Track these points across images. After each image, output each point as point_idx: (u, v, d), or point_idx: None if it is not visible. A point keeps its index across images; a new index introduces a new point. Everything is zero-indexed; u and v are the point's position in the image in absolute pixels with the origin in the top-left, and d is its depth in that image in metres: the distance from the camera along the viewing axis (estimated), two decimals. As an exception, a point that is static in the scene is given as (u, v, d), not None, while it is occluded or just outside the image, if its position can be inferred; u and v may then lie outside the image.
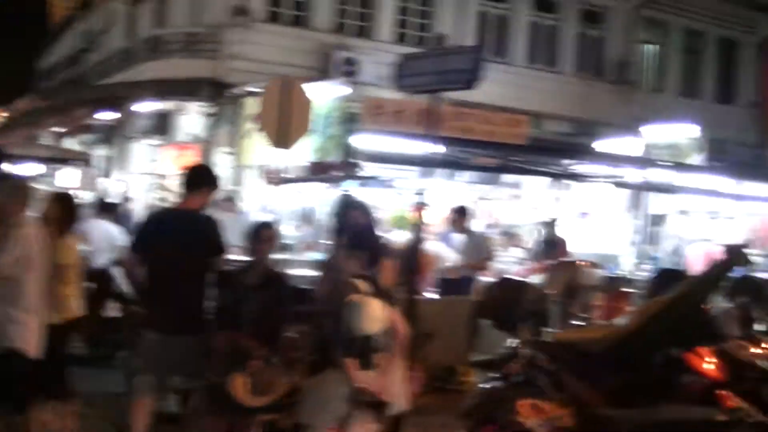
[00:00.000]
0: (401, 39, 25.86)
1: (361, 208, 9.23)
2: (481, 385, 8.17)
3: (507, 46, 27.88)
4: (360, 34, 25.41)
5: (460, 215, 14.50)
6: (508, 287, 9.65)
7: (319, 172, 14.01)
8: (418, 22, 26.44)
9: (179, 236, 8.17)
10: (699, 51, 32.85)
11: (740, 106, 32.59)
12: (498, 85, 25.03)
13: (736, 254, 8.28)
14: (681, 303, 7.68)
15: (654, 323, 7.71)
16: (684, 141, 23.66)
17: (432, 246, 13.23)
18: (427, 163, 11.37)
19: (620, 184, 17.36)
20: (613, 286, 15.07)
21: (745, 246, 9.15)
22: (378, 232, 9.41)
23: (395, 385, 7.75)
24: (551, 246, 14.70)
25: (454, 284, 13.47)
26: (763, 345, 8.57)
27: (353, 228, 8.60)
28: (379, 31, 25.59)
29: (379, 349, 7.43)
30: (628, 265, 18.56)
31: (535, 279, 14.22)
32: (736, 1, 32.31)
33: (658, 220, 21.99)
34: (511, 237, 19.16)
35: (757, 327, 9.02)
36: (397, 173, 15.46)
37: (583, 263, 14.32)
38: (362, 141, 13.47)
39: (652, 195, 20.21)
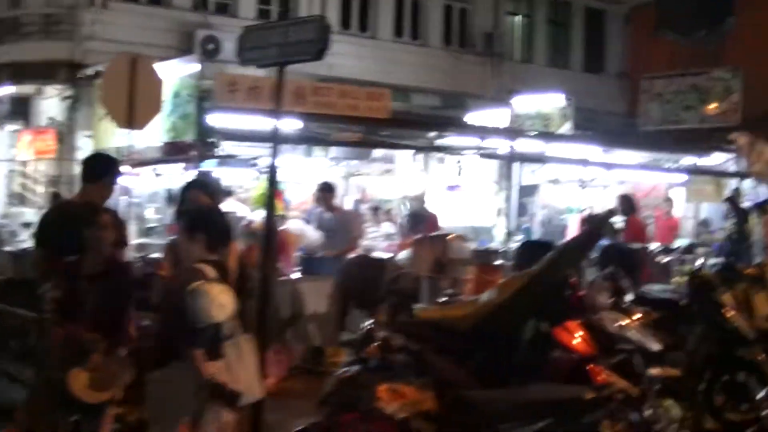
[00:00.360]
0: (265, 16, 25.10)
1: (204, 188, 8.63)
2: (339, 370, 7.65)
3: (372, 20, 27.29)
4: (222, 12, 24.60)
5: (327, 192, 14.04)
6: (366, 265, 9.18)
7: (174, 152, 13.34)
8: (282, -1, 25.70)
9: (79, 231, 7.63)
10: (566, 22, 32.76)
11: (608, 76, 32.61)
12: (364, 61, 25.02)
13: (599, 223, 7.93)
14: (546, 275, 7.32)
15: (519, 297, 7.33)
16: (552, 110, 23.57)
17: (294, 224, 12.71)
18: (283, 140, 10.84)
19: (487, 155, 17.08)
20: (485, 259, 14.73)
21: (610, 215, 8.69)
22: (224, 212, 8.75)
23: (248, 373, 7.20)
24: (418, 220, 14.35)
25: (319, 263, 12.96)
26: (634, 316, 8.27)
27: (194, 209, 8.01)
28: (242, 9, 24.81)
29: (227, 338, 6.88)
30: (500, 237, 18.26)
31: (403, 255, 13.87)
32: (602, -29, 32.26)
33: (529, 190, 21.90)
34: (381, 213, 18.75)
35: (627, 297, 8.67)
36: (259, 152, 14.89)
37: (452, 237, 13.96)
38: (218, 119, 12.83)
39: (523, 166, 20.07)
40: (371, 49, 26.37)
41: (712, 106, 26.26)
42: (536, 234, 20.66)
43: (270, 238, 8.59)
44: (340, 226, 13.42)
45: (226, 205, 14.79)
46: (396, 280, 8.11)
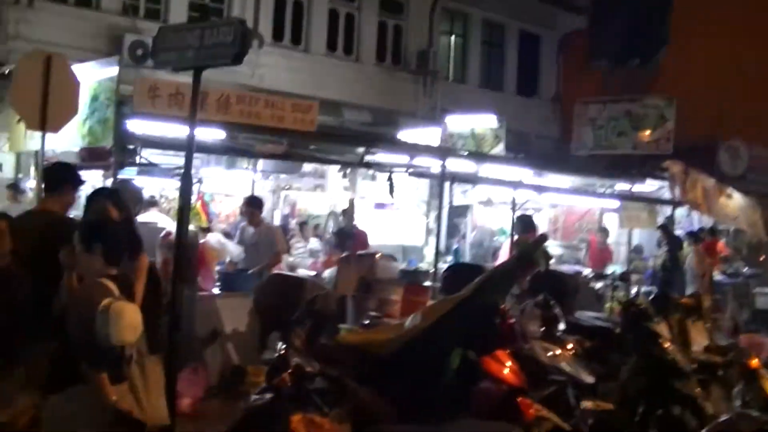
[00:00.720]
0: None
1: (111, 197, 8.00)
2: (250, 398, 7.05)
3: (305, 33, 26.75)
4: (154, 18, 23.88)
5: (252, 207, 13.44)
6: (282, 284, 8.56)
7: (92, 158, 12.62)
8: (215, 6, 25.05)
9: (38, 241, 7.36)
10: (500, 44, 32.56)
11: (541, 100, 32.49)
12: (296, 73, 24.52)
13: (530, 249, 7.44)
14: (474, 301, 6.82)
15: (445, 323, 6.84)
16: (485, 131, 23.29)
17: (214, 238, 12.10)
18: (200, 149, 10.31)
19: (417, 174, 16.58)
20: (413, 279, 14.22)
21: (542, 240, 8.15)
22: (131, 223, 8.14)
23: (154, 397, 6.63)
24: (345, 238, 13.81)
25: (239, 279, 12.37)
26: (567, 345, 7.81)
27: (93, 219, 7.40)
28: (173, 15, 24.10)
29: (132, 359, 6.32)
30: (430, 257, 17.81)
31: (328, 273, 13.36)
32: (536, -5, 32.12)
33: (461, 211, 21.53)
34: (308, 229, 18.21)
35: (559, 326, 8.21)
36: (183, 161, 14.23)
37: (379, 256, 13.46)
38: (138, 126, 12.16)
39: (454, 186, 19.70)
40: (303, 62, 25.86)
41: (646, 133, 26.13)
42: (467, 256, 20.26)
43: (181, 252, 7.99)
44: (263, 241, 12.82)
45: (147, 216, 14.23)
46: (314, 301, 7.47)
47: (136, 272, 7.14)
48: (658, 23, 28.51)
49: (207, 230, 13.13)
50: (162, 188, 17.11)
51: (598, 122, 27.32)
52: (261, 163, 18.81)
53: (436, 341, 6.83)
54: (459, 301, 6.91)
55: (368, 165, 15.06)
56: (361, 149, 14.87)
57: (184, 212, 7.37)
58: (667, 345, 8.92)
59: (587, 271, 18.18)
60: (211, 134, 13.30)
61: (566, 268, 17.63)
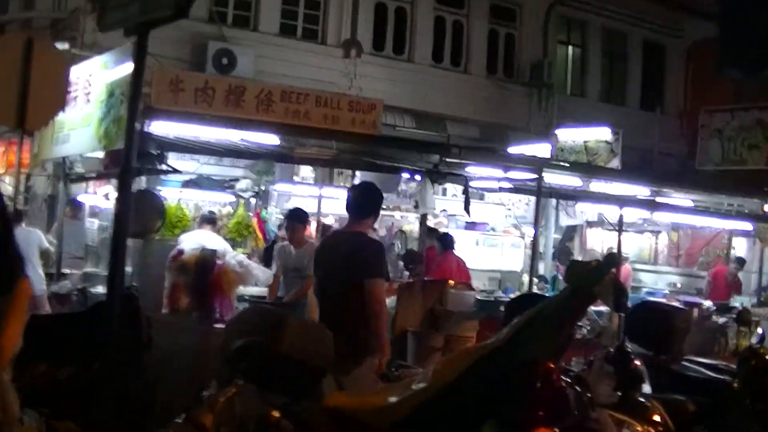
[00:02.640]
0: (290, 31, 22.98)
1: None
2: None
3: (409, 42, 25.02)
4: (242, 25, 22.59)
5: (295, 221, 11.44)
6: (255, 321, 6.26)
7: (115, 165, 10.86)
8: (308, 13, 23.59)
9: None
10: (622, 54, 30.32)
11: (667, 115, 29.88)
12: (398, 85, 23.11)
13: (586, 277, 5.11)
14: (507, 353, 4.71)
15: (465, 384, 4.78)
16: (598, 144, 21.15)
17: (235, 259, 10.13)
18: (234, 153, 8.50)
19: (507, 189, 14.49)
20: (492, 312, 12.06)
21: (609, 265, 5.73)
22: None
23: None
24: (410, 259, 11.73)
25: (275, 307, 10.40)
26: (653, 416, 5.53)
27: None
28: (264, 22, 22.76)
29: None
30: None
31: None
32: (661, 1, 29.52)
33: (570, 232, 19.42)
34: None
35: (644, 387, 5.88)
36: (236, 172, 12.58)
37: (452, 283, 11.37)
38: (160, 126, 10.35)
39: (562, 204, 17.66)
40: (406, 73, 24.36)
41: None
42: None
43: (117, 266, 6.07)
44: (308, 264, 10.69)
45: (196, 235, 12.49)
46: (247, 350, 5.36)
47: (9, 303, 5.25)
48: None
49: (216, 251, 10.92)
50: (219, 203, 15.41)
51: (726, 133, 24.51)
52: (356, 180, 17.16)
53: (452, 409, 4.73)
54: (486, 352, 4.79)
55: (443, 175, 13.00)
56: (434, 156, 12.80)
57: (121, 219, 5.47)
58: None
59: (707, 304, 15.72)
60: (259, 138, 11.41)
61: (683, 299, 15.25)
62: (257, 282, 10.83)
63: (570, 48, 29.26)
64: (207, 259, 9.26)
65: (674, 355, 8.83)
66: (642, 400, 5.44)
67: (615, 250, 14.16)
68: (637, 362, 5.57)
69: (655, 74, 30.69)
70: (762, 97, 25.23)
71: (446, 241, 15.52)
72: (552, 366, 4.92)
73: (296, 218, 11.20)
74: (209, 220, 13.77)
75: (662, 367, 7.64)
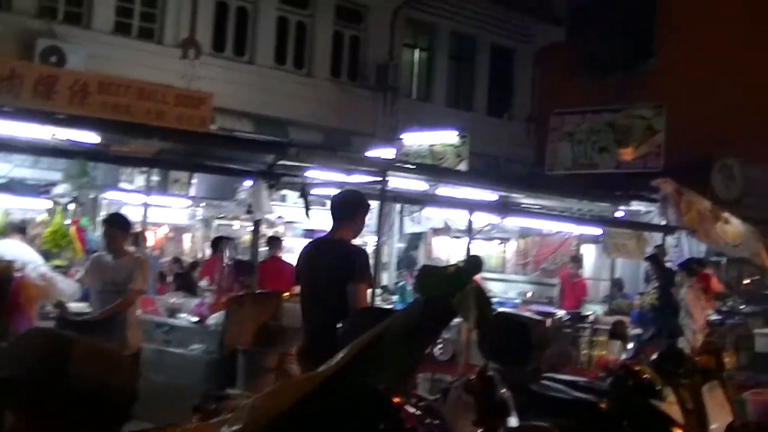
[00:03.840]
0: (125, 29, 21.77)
1: None
2: None
3: (250, 43, 23.98)
4: (73, 22, 21.25)
5: (114, 228, 10.07)
6: (37, 346, 5.16)
7: None
8: (146, 11, 22.43)
9: None
10: (470, 58, 29.86)
11: (515, 120, 29.43)
12: (239, 87, 22.27)
13: (441, 287, 4.12)
14: (342, 384, 3.70)
15: (294, 422, 3.73)
16: (445, 148, 20.50)
17: (37, 272, 8.88)
18: (37, 152, 7.31)
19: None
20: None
21: (474, 267, 4.88)
22: None
23: None
24: (241, 270, 10.66)
25: (83, 326, 9.09)
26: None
27: None
28: (97, 19, 21.48)
29: None
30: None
31: (214, 319, 10.25)
32: (509, 4, 29.11)
33: (415, 240, 18.63)
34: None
35: (511, 420, 4.93)
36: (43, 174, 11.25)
37: (287, 295, 10.34)
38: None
39: (408, 209, 16.87)
40: (247, 76, 23.41)
41: (631, 148, 23.00)
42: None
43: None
44: (125, 276, 9.45)
45: (5, 244, 11.17)
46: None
47: None
48: (643, 33, 25.72)
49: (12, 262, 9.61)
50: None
51: (577, 137, 24.15)
52: (193, 188, 16.07)
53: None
54: (317, 383, 3.76)
55: (278, 176, 11.94)
56: (269, 157, 11.72)
57: None
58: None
59: (561, 313, 15.06)
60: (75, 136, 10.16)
61: (536, 309, 14.51)
62: (63, 296, 9.58)
63: (417, 51, 28.71)
64: (3, 271, 8.02)
65: (532, 372, 7.99)
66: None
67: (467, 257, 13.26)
68: (503, 390, 4.61)
69: (503, 79, 30.39)
70: (611, 100, 25.03)
71: (270, 244, 14.65)
72: (399, 398, 3.94)
73: (115, 224, 9.85)
74: (18, 228, 12.43)
75: (520, 387, 6.73)
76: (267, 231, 15.83)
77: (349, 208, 8.00)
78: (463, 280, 4.17)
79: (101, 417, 4.37)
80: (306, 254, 8.20)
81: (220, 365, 9.62)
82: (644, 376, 6.44)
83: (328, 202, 16.92)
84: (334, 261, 7.62)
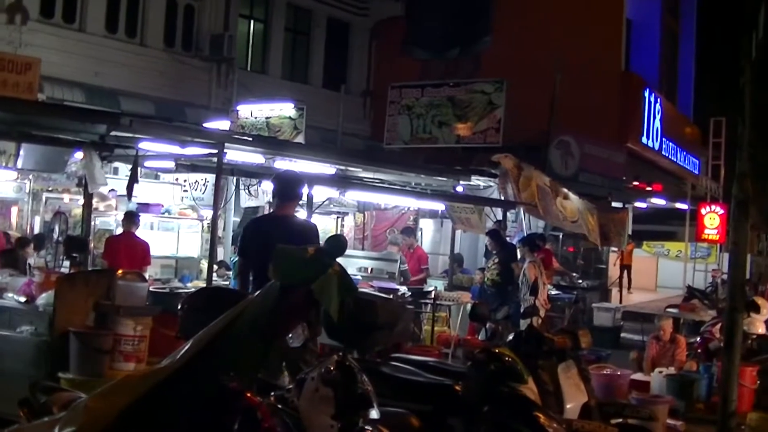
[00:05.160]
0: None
1: None
2: None
3: (80, 10, 22.90)
4: None
5: None
6: None
7: None
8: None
9: None
10: (306, 31, 29.60)
11: (351, 94, 29.27)
12: (68, 56, 21.50)
13: (300, 270, 3.72)
14: (189, 381, 3.30)
15: (135, 423, 3.31)
16: (282, 120, 20.10)
17: None
18: None
19: (184, 166, 13.03)
20: (170, 306, 10.48)
21: (327, 250, 4.49)
22: None
23: None
24: (74, 247, 10.04)
25: None
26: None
27: None
28: None
29: None
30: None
31: (44, 298, 9.62)
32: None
33: (249, 214, 18.18)
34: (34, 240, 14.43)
35: (372, 413, 4.55)
36: None
37: (122, 273, 9.74)
38: None
39: (244, 182, 16.47)
40: (77, 44, 22.31)
41: (470, 123, 22.92)
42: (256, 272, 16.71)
43: None
44: None
45: None
46: None
47: None
48: (480, 12, 25.72)
49: None
50: None
51: (416, 110, 23.94)
52: (20, 160, 15.18)
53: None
54: (160, 379, 3.33)
55: (111, 147, 11.30)
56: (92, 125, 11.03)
57: None
58: (543, 419, 5.59)
59: (403, 289, 14.81)
60: None
61: (378, 286, 14.20)
62: None
63: (252, 23, 28.17)
64: None
65: (382, 354, 7.70)
66: (369, 428, 4.11)
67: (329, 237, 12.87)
68: (365, 381, 4.22)
69: (340, 52, 30.22)
70: (448, 76, 25.00)
71: (126, 219, 14.04)
72: (251, 393, 3.52)
73: None
74: None
75: (370, 370, 6.39)
76: (99, 205, 15.06)
77: (296, 188, 8.71)
78: (325, 263, 3.79)
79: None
80: (259, 228, 8.68)
81: (51, 348, 8.99)
82: (506, 359, 6.20)
83: (162, 175, 16.49)
84: (293, 235, 7.96)
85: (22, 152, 14.78)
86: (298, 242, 7.56)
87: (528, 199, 16.18)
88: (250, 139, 13.90)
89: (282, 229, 8.15)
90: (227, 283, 13.79)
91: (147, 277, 11.53)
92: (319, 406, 3.96)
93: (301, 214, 13.00)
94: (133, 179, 11.86)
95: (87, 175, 11.61)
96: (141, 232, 14.46)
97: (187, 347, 3.47)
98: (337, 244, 3.99)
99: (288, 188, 8.59)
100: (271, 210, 9.21)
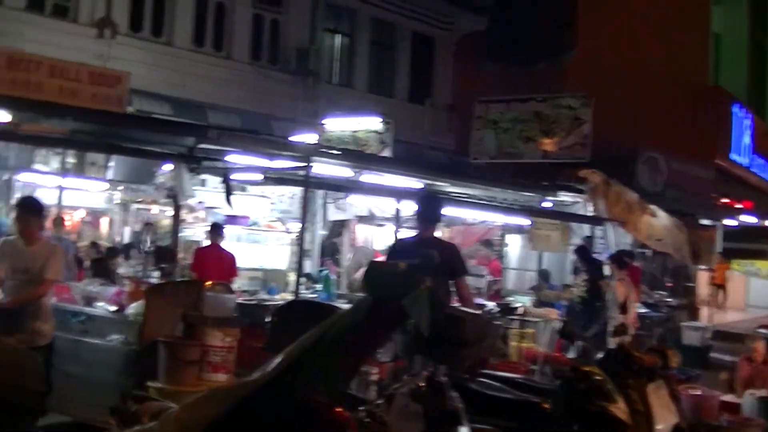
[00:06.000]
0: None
1: None
2: None
3: (168, 24, 23.18)
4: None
5: (28, 212, 9.30)
6: None
7: None
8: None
9: None
10: (391, 45, 29.50)
11: (436, 108, 29.15)
12: (156, 69, 21.61)
13: (390, 286, 3.65)
14: (276, 394, 3.26)
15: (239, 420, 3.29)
16: (369, 135, 20.08)
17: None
18: None
19: (273, 179, 13.04)
20: (257, 318, 10.52)
21: (428, 263, 4.44)
22: None
23: None
24: (162, 257, 10.11)
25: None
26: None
27: None
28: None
29: None
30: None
31: (133, 308, 9.71)
32: (431, -8, 28.88)
33: (336, 227, 18.21)
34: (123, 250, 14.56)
35: (462, 429, 4.46)
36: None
37: (209, 284, 9.81)
38: None
39: (332, 196, 16.47)
40: (165, 57, 22.54)
41: (557, 138, 22.73)
42: (341, 284, 16.71)
43: None
44: (39, 265, 8.80)
45: None
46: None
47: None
48: (564, 24, 25.43)
49: None
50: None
51: (502, 125, 23.82)
52: (110, 172, 15.45)
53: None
54: (248, 392, 3.29)
55: (199, 159, 11.38)
56: (188, 139, 11.11)
57: None
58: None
59: (490, 305, 14.70)
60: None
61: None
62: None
63: (338, 37, 28.19)
64: None
65: (469, 370, 7.58)
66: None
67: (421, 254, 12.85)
68: (455, 398, 4.16)
69: (424, 66, 30.05)
70: (531, 90, 24.81)
71: (212, 231, 14.13)
72: (340, 409, 3.48)
73: (28, 208, 9.12)
74: None
75: (458, 386, 6.32)
76: (187, 216, 15.23)
77: (438, 212, 9.55)
78: (417, 278, 3.73)
79: (6, 418, 3.87)
80: (403, 249, 8.97)
81: (140, 357, 9.09)
82: (595, 378, 6.10)
83: (249, 188, 16.59)
84: (440, 256, 8.06)
85: (112, 164, 15.01)
86: (441, 263, 8.21)
87: (618, 215, 15.99)
88: (339, 152, 13.90)
89: (425, 249, 8.19)
90: (315, 296, 13.81)
91: (234, 288, 11.62)
92: (408, 422, 3.92)
93: (389, 228, 13.05)
94: (228, 190, 11.98)
95: (176, 187, 11.72)
96: (228, 244, 14.60)
97: (278, 360, 3.43)
98: (430, 260, 3.97)
99: (431, 211, 9.23)
100: (416, 232, 9.30)
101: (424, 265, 4.09)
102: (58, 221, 14.67)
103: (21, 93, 10.18)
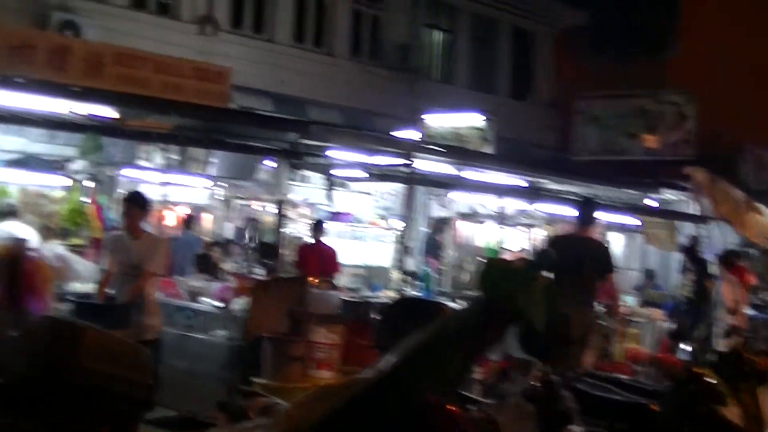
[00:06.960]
0: (141, 5, 21.16)
1: None
2: None
3: (269, 20, 23.34)
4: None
5: (134, 207, 9.42)
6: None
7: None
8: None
9: None
10: (491, 41, 29.27)
11: (537, 104, 28.96)
12: (257, 65, 21.72)
13: (505, 285, 3.57)
14: (389, 391, 3.21)
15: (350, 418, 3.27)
16: (470, 131, 19.96)
17: (53, 251, 8.41)
18: (48, 125, 6.82)
19: (377, 175, 13.03)
20: (361, 315, 10.52)
21: (544, 260, 4.39)
22: None
23: None
24: (266, 253, 10.18)
25: (98, 311, 8.57)
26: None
27: None
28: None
29: None
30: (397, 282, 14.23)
31: (238, 303, 9.79)
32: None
33: (438, 224, 18.12)
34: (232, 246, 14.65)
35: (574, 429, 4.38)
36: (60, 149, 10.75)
37: (314, 281, 9.84)
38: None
39: (431, 194, 16.38)
40: (266, 53, 22.74)
41: (661, 134, 22.38)
42: (443, 281, 16.64)
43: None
44: (145, 258, 8.93)
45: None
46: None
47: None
48: (667, 15, 25.05)
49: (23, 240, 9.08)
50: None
51: (604, 121, 23.53)
52: (214, 167, 15.66)
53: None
54: (362, 390, 3.27)
55: (300, 155, 11.41)
56: (290, 134, 11.16)
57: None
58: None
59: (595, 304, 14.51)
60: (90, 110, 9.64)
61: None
62: (79, 277, 9.09)
63: (438, 33, 28.10)
64: (16, 250, 7.56)
65: (574, 369, 7.50)
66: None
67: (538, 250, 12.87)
68: (569, 398, 4.11)
69: (525, 62, 29.85)
70: (633, 85, 24.47)
71: (315, 228, 14.19)
72: (454, 408, 3.42)
73: (134, 203, 9.26)
74: (7, 213, 11.55)
75: (565, 386, 6.24)
76: (290, 213, 15.31)
77: (594, 213, 10.68)
78: (531, 275, 3.65)
79: (116, 411, 3.89)
80: (559, 246, 9.94)
81: (244, 352, 9.16)
82: (707, 380, 5.96)
83: (351, 184, 16.63)
84: (592, 254, 9.89)
85: (215, 160, 15.16)
86: (591, 261, 9.72)
87: (725, 214, 15.69)
88: (442, 149, 13.84)
89: (579, 248, 9.67)
90: (418, 293, 13.77)
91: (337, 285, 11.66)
92: (520, 422, 3.86)
93: (490, 225, 13.00)
94: (330, 187, 12.04)
95: (274, 183, 11.79)
96: (330, 241, 14.64)
97: (392, 357, 3.40)
98: (546, 257, 3.95)
99: (587, 213, 10.37)
100: (573, 230, 10.58)
101: (542, 263, 4.03)
102: (193, 220, 14.96)
103: (127, 89, 10.31)
